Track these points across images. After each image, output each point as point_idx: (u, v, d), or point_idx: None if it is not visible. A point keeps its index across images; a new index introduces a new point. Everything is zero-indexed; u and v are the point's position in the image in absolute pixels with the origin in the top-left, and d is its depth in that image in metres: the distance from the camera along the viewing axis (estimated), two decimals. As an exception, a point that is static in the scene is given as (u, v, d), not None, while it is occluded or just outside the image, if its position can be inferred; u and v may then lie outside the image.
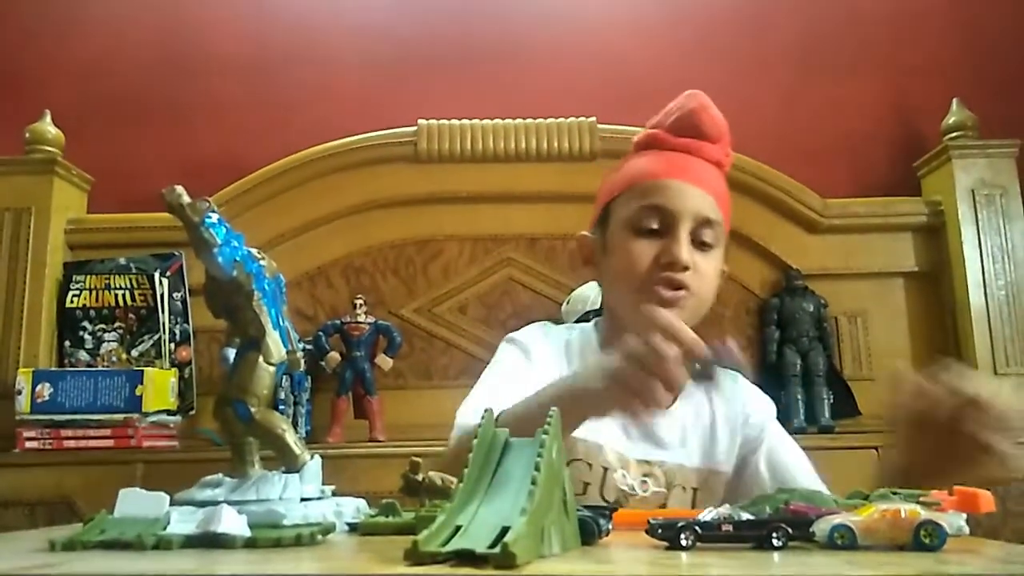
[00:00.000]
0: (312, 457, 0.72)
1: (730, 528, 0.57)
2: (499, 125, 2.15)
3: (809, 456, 1.14)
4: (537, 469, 0.53)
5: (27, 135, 2.05)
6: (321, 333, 1.99)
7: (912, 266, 2.14)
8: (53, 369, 1.93)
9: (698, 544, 0.56)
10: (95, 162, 2.15)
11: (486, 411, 0.61)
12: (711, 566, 0.52)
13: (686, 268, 1.03)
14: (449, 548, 0.48)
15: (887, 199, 2.17)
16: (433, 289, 2.13)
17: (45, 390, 1.80)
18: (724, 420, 1.11)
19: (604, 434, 1.04)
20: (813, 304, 2.06)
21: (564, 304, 1.99)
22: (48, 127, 2.07)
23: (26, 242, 1.98)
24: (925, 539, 0.54)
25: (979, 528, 0.61)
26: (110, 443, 1.79)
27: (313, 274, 2.13)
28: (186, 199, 0.68)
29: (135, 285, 2.01)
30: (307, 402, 1.98)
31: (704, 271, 1.05)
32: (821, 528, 0.56)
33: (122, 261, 2.03)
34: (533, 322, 1.24)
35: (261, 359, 0.71)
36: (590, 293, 1.93)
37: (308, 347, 1.95)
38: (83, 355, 1.99)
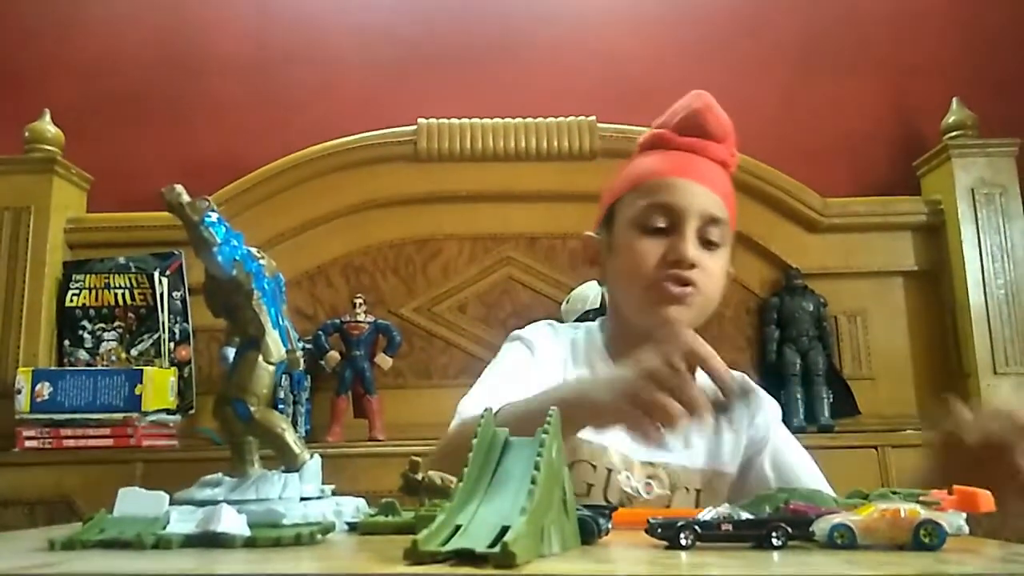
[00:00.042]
0: (312, 456, 0.72)
1: (730, 527, 0.57)
2: (499, 124, 2.15)
3: (810, 455, 1.14)
4: (537, 468, 0.53)
5: (27, 134, 2.05)
6: (321, 332, 1.99)
7: (912, 265, 2.14)
8: (53, 368, 1.93)
9: (698, 544, 0.56)
10: (95, 161, 2.16)
11: (486, 410, 0.61)
12: (711, 566, 0.52)
13: (693, 266, 1.02)
14: (449, 547, 0.48)
15: (887, 198, 2.17)
16: (433, 288, 2.13)
17: (45, 389, 1.80)
18: (728, 421, 1.11)
19: (608, 435, 1.04)
20: (813, 303, 2.06)
21: (564, 303, 1.99)
22: (48, 126, 2.07)
23: (26, 241, 1.99)
24: (925, 538, 0.54)
25: (979, 528, 0.61)
26: (109, 442, 1.79)
27: (313, 273, 2.13)
28: (186, 198, 0.67)
29: (135, 284, 2.01)
30: (307, 401, 1.98)
31: (711, 270, 1.05)
32: (821, 527, 0.56)
33: (122, 260, 2.03)
34: (533, 321, 1.23)
35: (261, 358, 0.71)
36: (589, 292, 1.93)
37: (308, 346, 1.95)
38: (83, 354, 1.99)
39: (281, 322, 0.73)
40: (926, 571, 0.47)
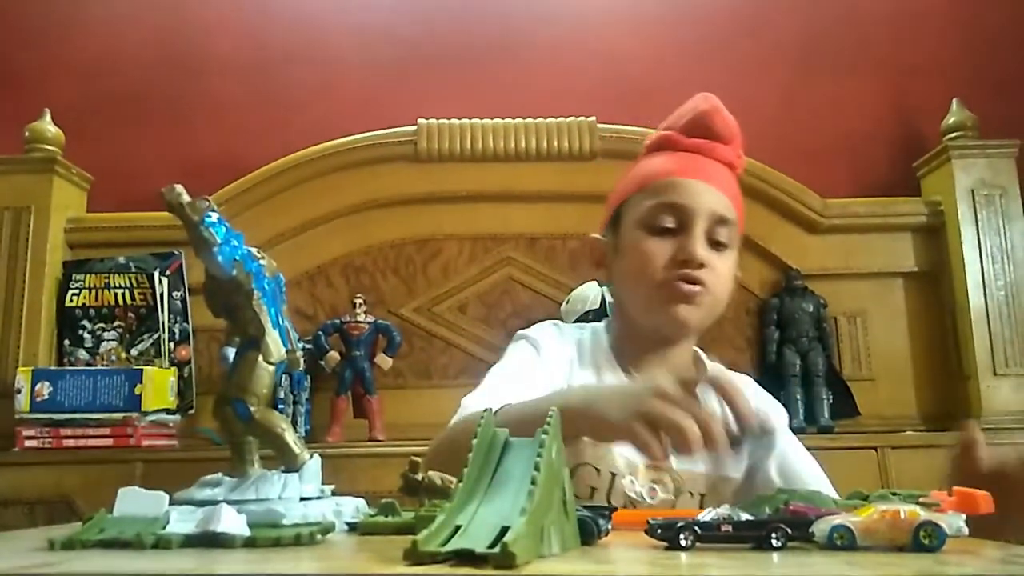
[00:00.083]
0: (311, 456, 0.72)
1: (729, 528, 0.57)
2: (499, 125, 2.15)
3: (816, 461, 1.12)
4: (537, 469, 0.53)
5: (27, 134, 2.05)
6: (321, 332, 1.99)
7: (912, 266, 2.14)
8: (52, 368, 1.93)
9: (697, 544, 0.56)
10: (95, 161, 2.16)
11: (486, 411, 0.61)
12: (710, 566, 0.52)
13: (702, 265, 1.02)
14: (448, 548, 0.48)
15: (887, 199, 2.17)
16: (433, 288, 2.13)
17: (44, 389, 1.80)
18: (737, 454, 1.09)
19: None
20: (813, 304, 2.07)
21: (563, 304, 1.99)
22: (48, 126, 2.07)
23: (26, 241, 1.98)
24: (924, 540, 0.54)
25: (981, 530, 0.61)
26: (109, 442, 1.79)
27: (313, 273, 2.13)
28: (186, 198, 0.68)
29: (135, 284, 2.01)
30: (306, 401, 1.98)
31: (720, 270, 1.05)
32: (820, 529, 0.56)
33: (122, 260, 2.03)
34: (533, 321, 1.23)
35: (261, 358, 0.71)
36: (589, 293, 1.93)
37: (308, 346, 1.95)
38: (82, 354, 1.99)
39: (281, 322, 0.73)
40: (925, 572, 0.47)
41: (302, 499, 0.69)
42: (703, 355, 1.17)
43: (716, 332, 2.02)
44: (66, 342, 2.00)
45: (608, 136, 2.13)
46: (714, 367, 1.18)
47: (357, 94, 2.30)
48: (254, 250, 0.72)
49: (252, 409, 0.70)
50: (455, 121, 2.16)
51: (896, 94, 2.31)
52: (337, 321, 2.01)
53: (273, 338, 0.71)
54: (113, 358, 1.98)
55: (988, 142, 2.08)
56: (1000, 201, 2.05)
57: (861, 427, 2.00)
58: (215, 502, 0.62)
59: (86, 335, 2.00)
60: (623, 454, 1.04)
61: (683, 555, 0.55)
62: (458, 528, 0.51)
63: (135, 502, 0.65)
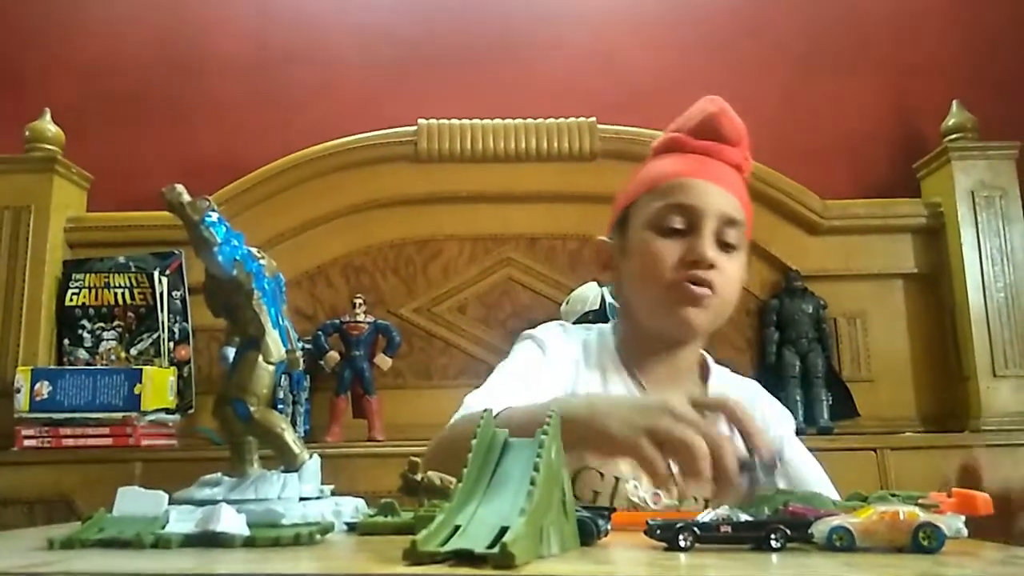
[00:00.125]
0: (311, 456, 0.72)
1: (728, 529, 0.57)
2: (499, 125, 2.15)
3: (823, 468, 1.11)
4: (536, 469, 0.53)
5: (27, 133, 2.05)
6: (320, 332, 1.99)
7: (911, 268, 2.14)
8: (52, 367, 1.93)
9: (697, 545, 0.56)
10: (95, 160, 2.15)
11: (485, 411, 0.61)
12: (709, 567, 0.52)
13: (712, 266, 1.01)
14: (448, 548, 0.48)
15: (887, 200, 2.17)
16: (433, 289, 2.13)
17: (44, 388, 1.80)
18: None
19: None
20: (812, 305, 2.06)
21: (563, 304, 1.99)
22: (48, 125, 2.07)
23: (25, 240, 1.98)
24: (923, 541, 0.54)
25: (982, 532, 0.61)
26: (109, 441, 1.79)
27: (313, 273, 2.13)
28: (186, 197, 0.68)
29: (134, 284, 2.01)
30: (306, 401, 1.98)
31: (728, 272, 1.04)
32: (819, 530, 0.56)
33: (121, 259, 2.03)
34: (533, 322, 1.23)
35: (260, 358, 0.71)
36: (589, 294, 1.93)
37: (307, 346, 1.95)
38: (82, 353, 1.99)
39: (281, 322, 0.73)
40: (924, 573, 0.47)
41: (301, 499, 0.69)
42: (710, 359, 1.17)
43: (716, 333, 2.01)
44: (66, 341, 2.00)
45: (608, 136, 2.13)
46: (720, 371, 1.17)
47: (357, 94, 2.30)
48: (254, 250, 0.72)
49: (252, 409, 0.70)
50: (455, 121, 2.16)
51: (896, 94, 2.31)
52: (337, 321, 2.01)
53: (273, 338, 0.71)
54: (113, 357, 1.98)
55: (988, 143, 2.08)
56: (1000, 203, 2.05)
57: (860, 428, 2.00)
58: (214, 502, 0.62)
59: (86, 334, 2.00)
60: (628, 458, 1.03)
61: (682, 556, 0.55)
62: (457, 528, 0.51)
63: (134, 502, 0.65)
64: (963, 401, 2.01)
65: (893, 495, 0.64)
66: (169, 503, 0.65)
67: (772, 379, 1.99)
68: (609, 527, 0.62)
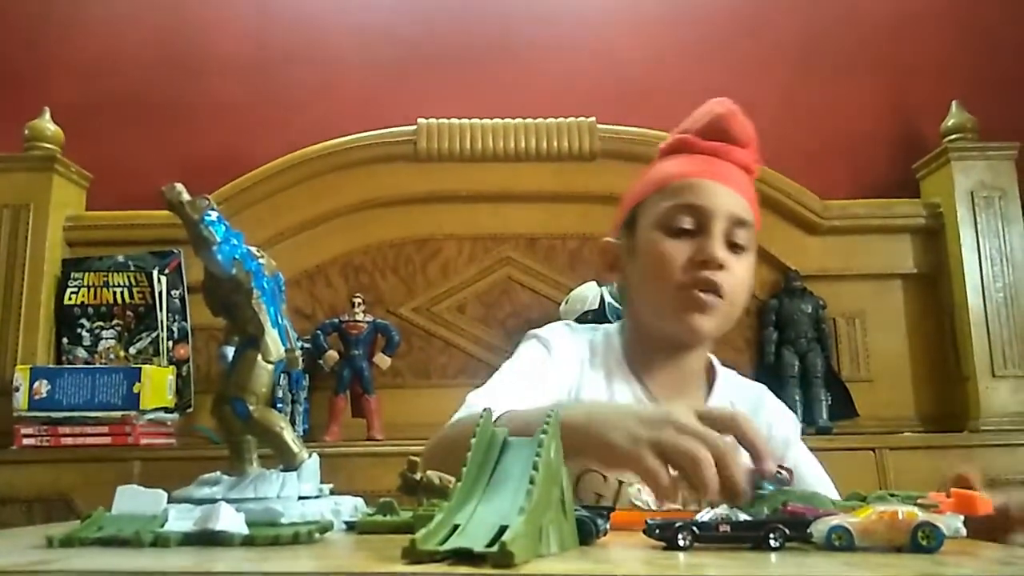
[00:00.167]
0: (310, 455, 0.72)
1: (728, 528, 0.57)
2: (499, 125, 2.15)
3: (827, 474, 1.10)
4: (535, 468, 0.53)
5: (26, 132, 2.05)
6: (319, 331, 1.99)
7: (911, 268, 2.14)
8: (51, 366, 1.93)
9: (696, 544, 0.56)
10: (94, 159, 2.15)
11: (485, 411, 0.61)
12: (708, 566, 0.52)
13: (721, 266, 1.01)
14: (447, 547, 0.48)
15: (886, 201, 2.17)
16: (432, 288, 2.13)
17: (43, 387, 1.80)
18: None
19: None
20: (811, 305, 2.07)
21: (562, 304, 1.98)
22: (47, 124, 2.07)
23: (24, 239, 1.98)
24: (922, 541, 0.54)
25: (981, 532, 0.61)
26: (107, 440, 1.79)
27: (312, 272, 2.13)
28: (186, 196, 0.67)
29: (133, 283, 2.01)
30: (305, 400, 1.98)
31: (737, 273, 1.03)
32: (819, 529, 0.56)
33: (120, 258, 2.03)
34: (532, 321, 1.23)
35: (259, 357, 0.71)
36: (588, 294, 1.93)
37: (306, 345, 1.95)
38: (81, 352, 1.99)
39: (280, 321, 0.73)
40: (923, 573, 0.47)
41: (300, 498, 0.69)
42: (717, 362, 1.17)
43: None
44: (64, 340, 2.00)
45: (608, 136, 2.13)
46: (727, 375, 1.17)
47: (357, 94, 2.30)
48: (253, 249, 0.72)
49: (251, 408, 0.70)
50: (455, 121, 2.16)
51: (895, 94, 2.31)
52: (336, 320, 2.01)
53: (272, 337, 0.71)
54: (111, 356, 1.98)
55: (987, 144, 2.08)
56: (999, 203, 2.05)
57: (859, 428, 2.00)
58: (213, 500, 0.62)
59: (84, 333, 2.00)
60: None
61: (681, 555, 0.55)
62: (456, 527, 0.51)
63: (133, 500, 0.65)
64: (962, 401, 2.01)
65: (892, 495, 0.64)
66: (168, 502, 0.65)
67: (771, 379, 1.98)
68: (608, 526, 0.62)
